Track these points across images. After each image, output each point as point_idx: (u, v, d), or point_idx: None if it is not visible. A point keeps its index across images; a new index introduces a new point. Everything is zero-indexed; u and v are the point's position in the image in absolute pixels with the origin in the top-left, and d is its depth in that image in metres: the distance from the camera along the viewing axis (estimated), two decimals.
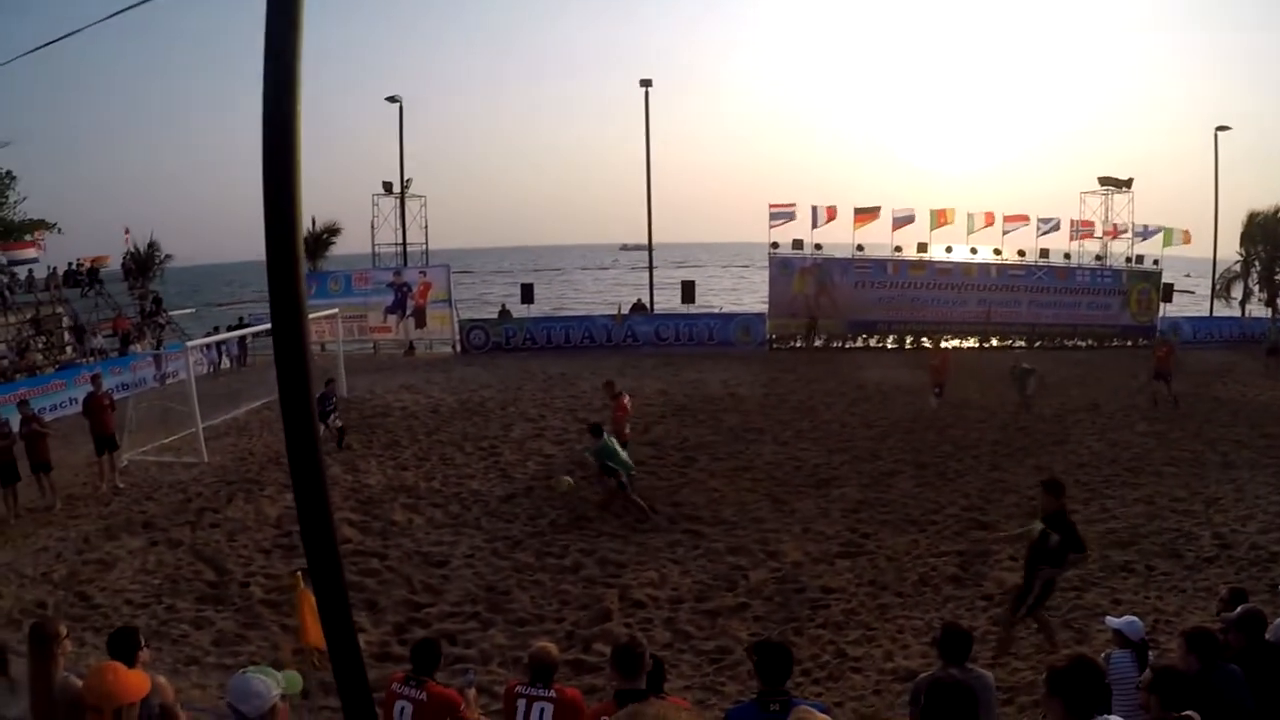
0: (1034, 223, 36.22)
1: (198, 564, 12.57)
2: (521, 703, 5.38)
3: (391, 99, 37.41)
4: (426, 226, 39.90)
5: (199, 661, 9.72)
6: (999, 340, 35.38)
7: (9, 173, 34.23)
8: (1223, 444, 18.39)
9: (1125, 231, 37.90)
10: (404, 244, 38.99)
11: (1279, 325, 32.63)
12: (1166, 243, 36.88)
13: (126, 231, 37.33)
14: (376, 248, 38.85)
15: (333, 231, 41.03)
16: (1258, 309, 39.76)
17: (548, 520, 14.19)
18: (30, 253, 32.23)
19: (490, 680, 8.85)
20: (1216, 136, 39.40)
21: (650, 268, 39.00)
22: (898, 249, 35.54)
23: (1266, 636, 5.76)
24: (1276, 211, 40.48)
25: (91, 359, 27.71)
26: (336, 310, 27.03)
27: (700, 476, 16.48)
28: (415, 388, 25.69)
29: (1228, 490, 15.14)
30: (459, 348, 34.49)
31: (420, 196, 39.95)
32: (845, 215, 34.95)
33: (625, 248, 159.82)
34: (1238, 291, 41.39)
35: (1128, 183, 39.51)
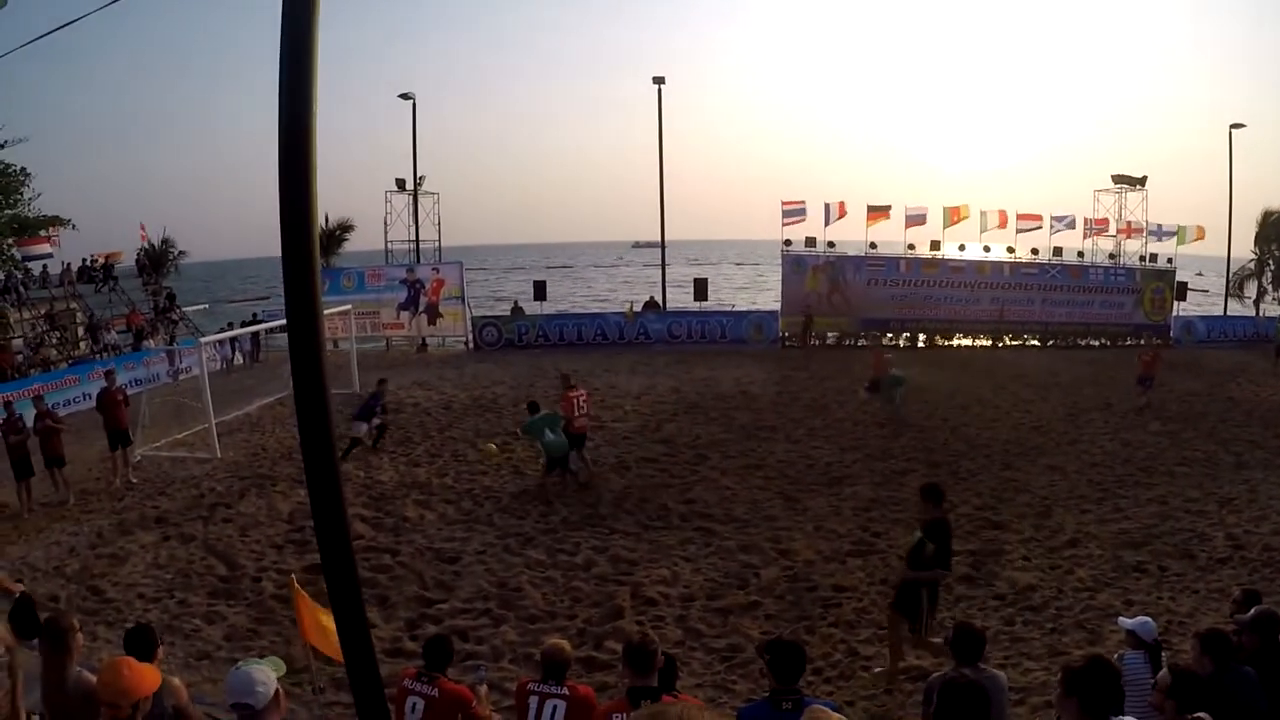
0: (1048, 221, 36.08)
1: (210, 559, 12.61)
2: (534, 700, 5.38)
3: (404, 96, 37.38)
4: (439, 223, 39.93)
5: (210, 656, 9.74)
6: (1012, 339, 35.31)
7: (23, 169, 34.29)
8: (1236, 444, 18.34)
9: (1139, 230, 37.77)
10: (417, 241, 38.95)
11: None
12: (1180, 241, 36.75)
13: (143, 228, 37.43)
14: (389, 244, 38.87)
15: (346, 228, 41.10)
16: (1272, 308, 39.53)
17: (560, 517, 14.19)
18: (45, 249, 32.28)
19: (501, 677, 8.85)
20: (1231, 134, 39.19)
21: (663, 265, 38.95)
22: (910, 247, 35.44)
23: None
24: None
25: (105, 355, 27.79)
26: (349, 307, 27.08)
27: (712, 474, 16.47)
28: (428, 384, 25.70)
29: (1241, 491, 15.10)
30: (471, 344, 34.52)
31: (433, 193, 39.98)
32: (858, 213, 34.94)
33: (638, 245, 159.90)
34: (1252, 290, 41.22)
35: (1141, 181, 39.38)
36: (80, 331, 30.42)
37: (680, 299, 40.74)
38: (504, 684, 8.53)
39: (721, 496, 15.17)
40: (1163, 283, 35.92)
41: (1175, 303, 36.41)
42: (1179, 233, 36.60)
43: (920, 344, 34.85)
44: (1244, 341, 35.51)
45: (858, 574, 11.78)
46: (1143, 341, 32.54)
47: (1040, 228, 36.01)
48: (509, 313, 37.31)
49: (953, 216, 35.35)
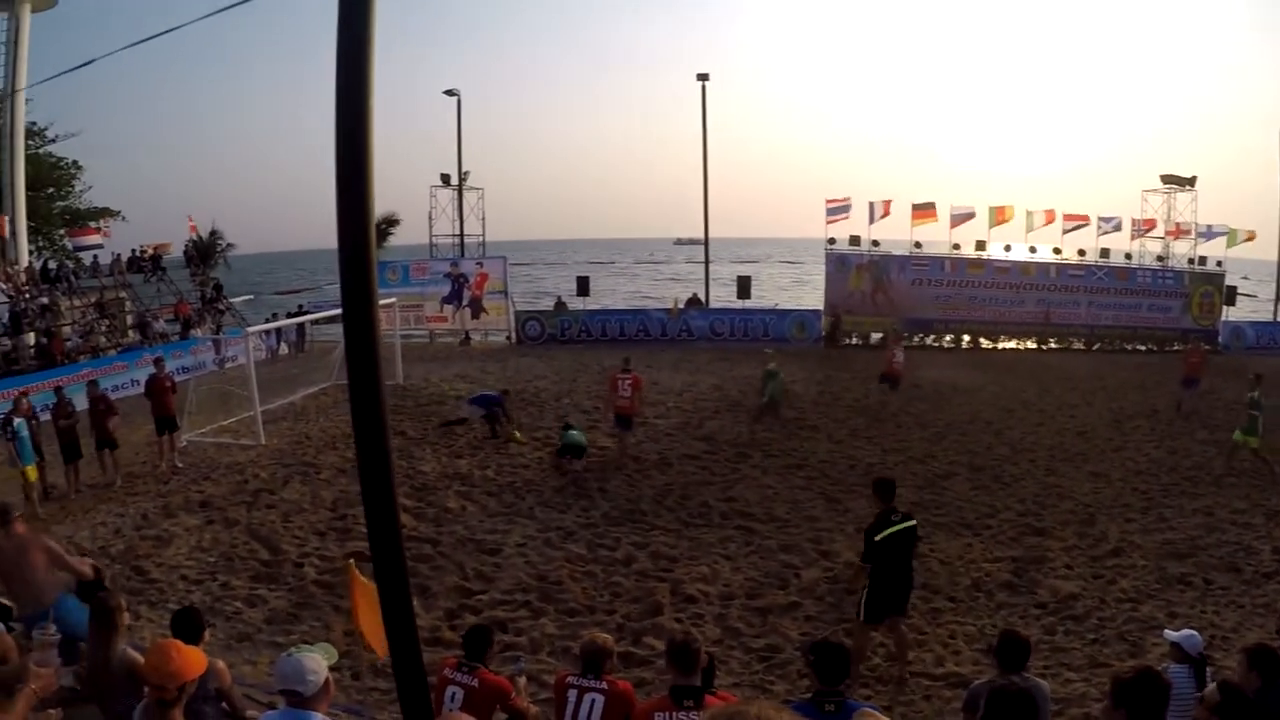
0: (1094, 222, 35.67)
1: (253, 543, 12.76)
2: (572, 693, 5.38)
3: (449, 92, 37.47)
4: (484, 218, 40.06)
5: (251, 639, 9.88)
6: (1057, 342, 34.93)
7: (75, 162, 34.85)
8: None
9: (1188, 231, 37.25)
10: (462, 235, 39.13)
11: None
12: (1231, 243, 36.02)
13: (191, 220, 37.83)
14: (434, 239, 39.06)
15: (392, 222, 41.33)
16: None
17: (600, 512, 14.22)
18: (95, 239, 32.82)
19: (539, 669, 8.89)
20: None
21: (706, 262, 38.87)
22: (955, 246, 35.09)
23: None
24: None
25: (154, 343, 28.13)
26: (394, 300, 27.25)
27: (753, 473, 16.44)
28: (470, 377, 25.77)
29: None
30: (514, 339, 34.61)
31: (478, 188, 40.07)
32: (902, 211, 34.63)
33: (680, 241, 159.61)
34: None
35: (1191, 181, 38.79)
36: (129, 320, 30.79)
37: (723, 296, 40.65)
38: (541, 676, 8.57)
39: (763, 495, 15.13)
40: (1212, 286, 35.28)
41: (1224, 307, 35.84)
42: (1229, 235, 35.95)
43: (964, 345, 34.56)
44: None
45: None
46: (1188, 344, 31.96)
47: (1086, 226, 35.59)
48: (552, 308, 37.40)
49: (998, 216, 35.01)
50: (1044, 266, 34.98)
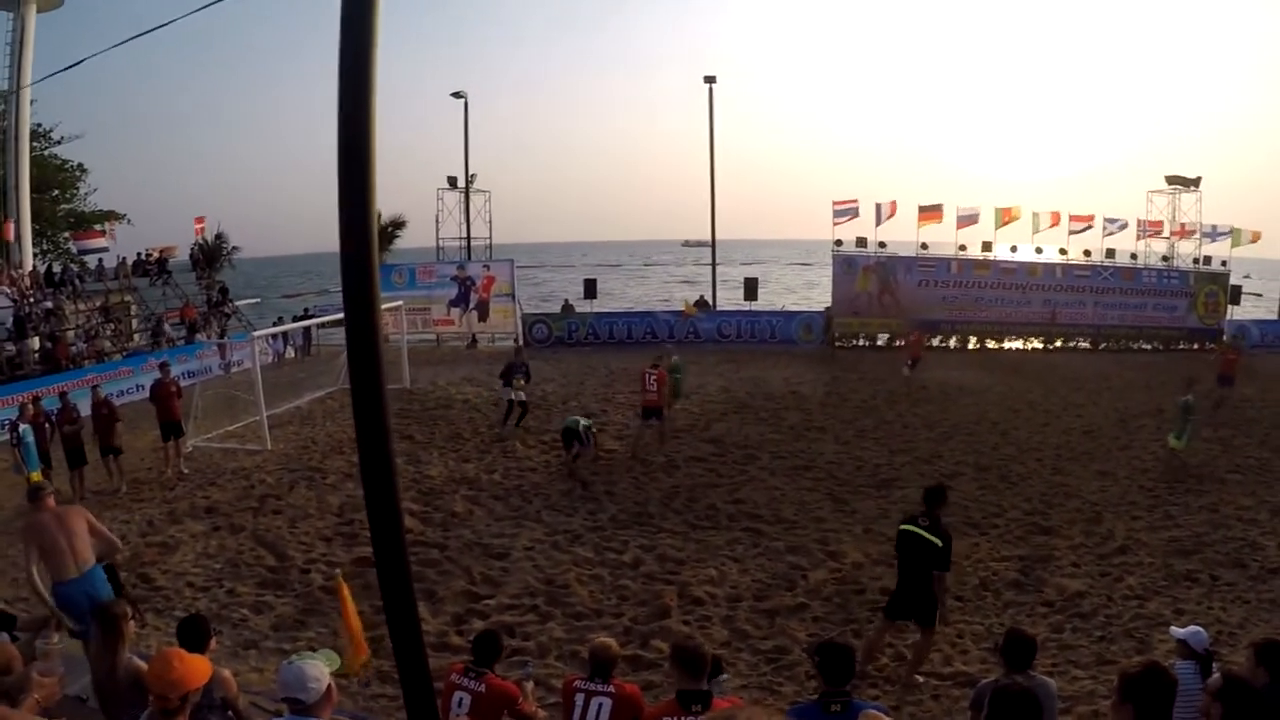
0: (1100, 223, 35.67)
1: (259, 549, 12.74)
2: (580, 697, 5.38)
3: (457, 95, 37.52)
4: (490, 221, 40.03)
5: (257, 645, 9.84)
6: (1063, 342, 34.89)
7: (80, 165, 34.91)
8: None
9: (1193, 231, 37.21)
10: (468, 238, 39.12)
11: None
12: (1235, 243, 35.99)
13: (199, 221, 37.79)
14: (441, 241, 39.04)
15: (398, 225, 41.34)
16: None
17: (608, 515, 14.19)
18: (100, 242, 32.85)
19: (548, 674, 8.86)
20: None
21: (713, 264, 38.88)
22: (962, 248, 35.05)
23: None
24: None
25: (163, 347, 28.15)
26: (401, 303, 27.31)
27: (761, 475, 16.41)
28: (477, 380, 25.77)
29: None
30: (522, 341, 34.52)
31: (485, 191, 40.08)
32: (908, 213, 34.61)
33: (687, 244, 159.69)
34: None
35: (1196, 181, 38.76)
36: (134, 324, 30.82)
37: (730, 298, 40.66)
38: (550, 680, 8.55)
39: (770, 497, 15.10)
40: (1216, 285, 35.27)
41: (1229, 306, 35.83)
42: (1233, 235, 35.96)
43: (970, 346, 34.52)
44: None
45: None
46: (1224, 339, 31.64)
47: (1091, 228, 35.58)
48: (559, 310, 37.43)
49: (1004, 217, 34.97)
50: (1050, 267, 34.92)
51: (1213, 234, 36.28)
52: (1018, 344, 34.98)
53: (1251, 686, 4.70)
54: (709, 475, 16.36)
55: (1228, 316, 35.59)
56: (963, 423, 20.67)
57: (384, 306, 25.41)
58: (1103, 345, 34.39)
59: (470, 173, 38.66)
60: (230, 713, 5.20)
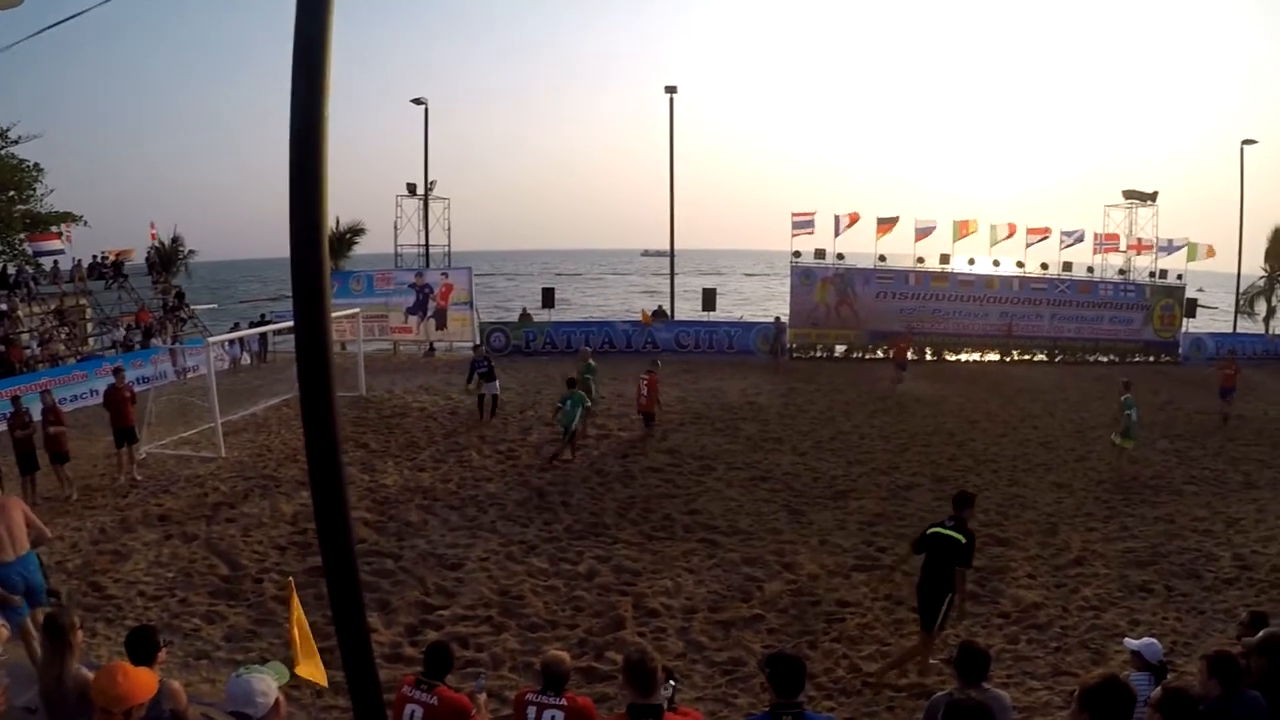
0: (1057, 235, 36.10)
1: (212, 558, 12.59)
2: (532, 710, 5.35)
3: (417, 101, 37.51)
4: (449, 228, 40.03)
5: (209, 656, 9.71)
6: (1020, 354, 35.25)
7: (36, 165, 34.40)
8: (1245, 463, 18.30)
9: (1149, 245, 37.73)
10: (426, 245, 39.04)
11: None
12: (1190, 257, 36.76)
13: (153, 226, 37.46)
14: (399, 249, 38.99)
15: (356, 232, 41.17)
16: None
17: (563, 526, 14.14)
18: (56, 245, 32.47)
19: (501, 685, 8.81)
20: (1243, 151, 39.31)
21: (671, 274, 38.96)
22: (920, 260, 35.35)
23: None
24: None
25: (115, 350, 27.87)
26: (358, 310, 27.15)
27: (717, 485, 16.41)
28: (434, 389, 25.70)
29: (1249, 510, 15.05)
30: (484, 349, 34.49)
31: (444, 198, 40.08)
32: (867, 225, 34.91)
33: (646, 253, 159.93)
34: (1261, 308, 41.16)
35: (1153, 196, 39.37)
36: (89, 328, 30.50)
37: (689, 309, 40.74)
38: (504, 692, 8.50)
39: (726, 508, 15.10)
40: (1172, 299, 35.90)
41: (1185, 319, 36.36)
42: (1189, 249, 36.60)
43: (928, 357, 34.73)
44: (1254, 359, 35.04)
45: (862, 589, 11.71)
46: (1223, 354, 31.87)
47: (1048, 239, 36.03)
48: (517, 319, 37.38)
49: (962, 230, 35.33)
50: (1007, 280, 35.41)
51: (1169, 248, 36.88)
52: (975, 356, 35.31)
53: (1191, 698, 4.73)
54: (665, 486, 16.34)
55: (1183, 329, 36.13)
56: (920, 434, 20.79)
57: (341, 313, 25.41)
58: (1059, 357, 34.88)
59: (430, 180, 38.58)
60: None
